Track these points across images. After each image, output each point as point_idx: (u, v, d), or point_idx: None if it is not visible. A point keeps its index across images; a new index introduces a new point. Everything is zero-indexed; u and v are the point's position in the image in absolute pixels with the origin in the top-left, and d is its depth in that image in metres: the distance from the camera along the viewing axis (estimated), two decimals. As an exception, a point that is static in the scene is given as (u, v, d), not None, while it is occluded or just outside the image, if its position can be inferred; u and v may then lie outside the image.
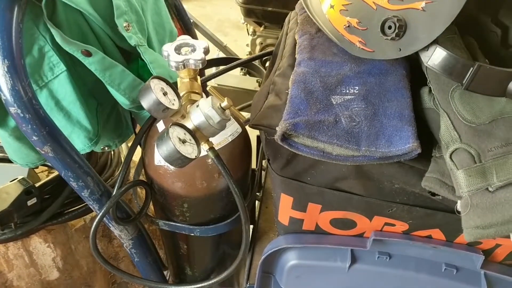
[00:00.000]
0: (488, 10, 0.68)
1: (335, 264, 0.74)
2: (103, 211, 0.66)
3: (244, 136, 0.73)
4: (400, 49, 0.57)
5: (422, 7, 0.54)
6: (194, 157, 0.54)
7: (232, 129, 0.71)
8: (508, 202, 0.54)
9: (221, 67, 0.89)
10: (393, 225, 0.69)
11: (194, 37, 0.98)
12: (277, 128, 0.57)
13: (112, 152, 1.06)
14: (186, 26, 0.95)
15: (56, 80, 0.68)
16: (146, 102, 0.54)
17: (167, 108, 0.54)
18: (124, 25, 0.66)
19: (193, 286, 0.78)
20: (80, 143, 0.73)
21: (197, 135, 0.57)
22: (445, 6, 0.53)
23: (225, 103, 0.57)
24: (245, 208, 0.65)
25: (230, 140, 0.70)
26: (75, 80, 0.70)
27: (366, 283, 0.76)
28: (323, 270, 0.76)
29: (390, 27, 0.55)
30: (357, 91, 0.60)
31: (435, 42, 0.55)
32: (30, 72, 0.65)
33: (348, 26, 0.61)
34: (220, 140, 0.69)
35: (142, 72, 0.76)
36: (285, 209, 0.72)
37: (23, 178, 0.84)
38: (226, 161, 0.66)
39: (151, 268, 0.83)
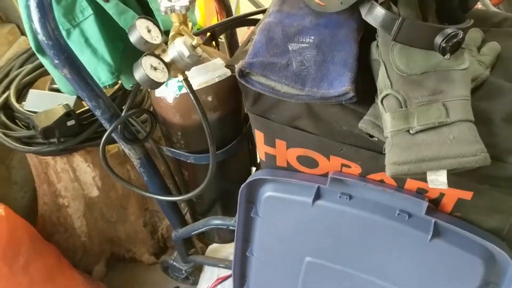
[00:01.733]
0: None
1: (301, 199, 0.84)
2: (111, 127, 0.83)
3: (232, 79, 0.85)
4: (341, 2, 0.65)
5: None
6: (163, 81, 0.68)
7: (220, 72, 0.84)
8: (423, 144, 0.61)
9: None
10: (349, 166, 0.78)
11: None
12: (236, 65, 0.69)
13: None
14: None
15: (85, 21, 0.85)
16: (132, 37, 0.69)
17: (147, 41, 0.68)
18: None
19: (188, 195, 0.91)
20: (104, 75, 0.90)
21: (173, 67, 0.71)
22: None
23: (195, 42, 0.69)
24: (211, 137, 0.78)
25: (216, 81, 0.83)
26: (102, 23, 0.86)
27: (328, 219, 0.85)
28: (292, 203, 0.86)
29: (332, -18, 0.64)
30: (312, 40, 0.70)
31: (371, -4, 0.63)
32: (64, 13, 0.83)
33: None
34: (207, 79, 0.83)
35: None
36: (260, 144, 0.84)
37: (66, 104, 1.04)
38: (212, 97, 0.79)
39: (159, 187, 0.99)
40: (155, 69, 0.67)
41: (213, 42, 1.05)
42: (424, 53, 0.64)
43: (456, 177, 0.69)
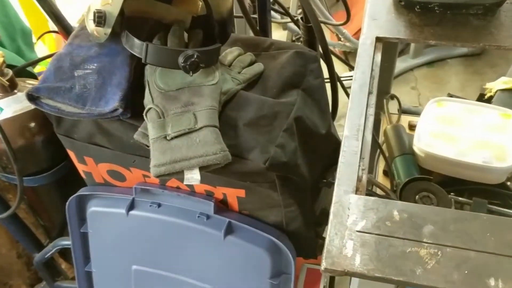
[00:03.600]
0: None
1: (118, 210, 0.93)
2: None
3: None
4: (105, 33, 0.77)
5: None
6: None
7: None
8: (176, 147, 0.73)
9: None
10: (148, 176, 0.89)
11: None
12: (25, 92, 0.79)
13: None
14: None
15: None
16: None
17: None
18: None
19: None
20: None
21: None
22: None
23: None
24: (15, 160, 0.87)
25: (33, 107, 0.93)
26: None
27: (144, 227, 0.94)
28: (111, 215, 0.95)
29: (94, 18, 0.76)
30: (94, 67, 0.81)
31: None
32: None
33: (90, 19, 0.82)
34: (22, 107, 0.92)
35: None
36: (75, 163, 0.93)
37: None
38: (35, 123, 0.90)
39: None
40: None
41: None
42: (181, 72, 0.77)
43: (226, 177, 0.80)
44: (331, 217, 0.53)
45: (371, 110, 0.67)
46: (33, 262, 1.20)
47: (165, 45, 0.81)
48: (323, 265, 0.48)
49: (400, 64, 2.38)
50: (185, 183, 0.74)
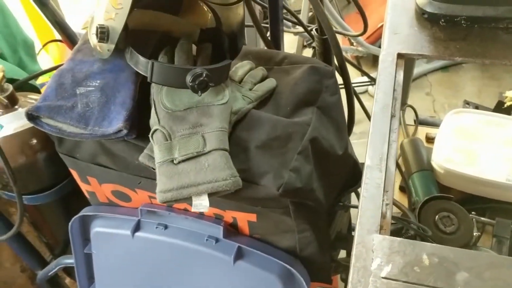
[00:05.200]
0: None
1: (123, 232, 0.89)
2: None
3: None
4: (108, 50, 0.73)
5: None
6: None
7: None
8: (184, 172, 0.68)
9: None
10: (154, 197, 0.84)
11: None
12: (25, 109, 0.75)
13: None
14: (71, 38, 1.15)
15: None
16: None
17: None
18: None
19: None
20: None
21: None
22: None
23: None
24: (14, 179, 0.83)
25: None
26: None
27: (150, 249, 0.90)
28: (116, 236, 0.91)
29: (97, 33, 0.71)
30: (97, 84, 0.76)
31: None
32: None
33: (93, 33, 0.78)
34: (23, 124, 0.88)
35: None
36: (79, 182, 0.89)
37: None
38: (36, 140, 0.85)
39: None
40: None
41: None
42: (188, 91, 0.72)
43: (236, 202, 0.76)
44: (353, 260, 0.48)
45: (394, 136, 0.62)
46: (36, 279, 1.17)
47: (172, 60, 0.76)
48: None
49: (414, 69, 2.31)
50: (193, 210, 0.69)
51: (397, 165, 1.16)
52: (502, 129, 1.19)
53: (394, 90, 0.68)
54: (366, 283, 0.46)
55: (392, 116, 0.65)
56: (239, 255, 0.83)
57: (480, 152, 1.12)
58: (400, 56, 0.75)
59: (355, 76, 2.16)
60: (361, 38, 2.04)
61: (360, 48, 2.13)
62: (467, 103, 1.96)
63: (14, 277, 1.39)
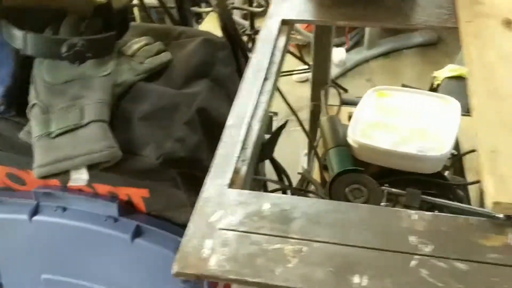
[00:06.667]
0: None
1: (19, 217, 0.86)
2: None
3: None
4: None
5: None
6: None
7: None
8: (60, 146, 0.66)
9: None
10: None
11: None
12: None
13: None
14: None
15: None
16: None
17: None
18: None
19: None
20: None
21: None
22: None
23: None
24: None
25: None
26: None
27: (50, 233, 0.87)
28: (14, 222, 0.88)
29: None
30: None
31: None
32: None
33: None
34: None
35: None
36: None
37: None
38: None
39: None
40: None
41: None
42: (70, 65, 0.70)
43: (122, 176, 0.74)
44: (193, 213, 0.47)
45: (264, 98, 0.62)
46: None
47: (57, 34, 0.74)
48: (174, 269, 0.43)
49: (355, 56, 2.34)
50: (72, 184, 0.67)
51: (311, 143, 1.17)
52: (420, 103, 1.20)
53: (272, 54, 0.68)
54: (203, 235, 0.45)
55: (266, 79, 0.64)
56: (137, 233, 0.81)
57: (397, 127, 1.13)
58: (284, 22, 0.75)
59: (296, 65, 2.17)
60: (299, 26, 2.05)
61: (299, 37, 2.13)
62: (404, 87, 2.00)
63: None
